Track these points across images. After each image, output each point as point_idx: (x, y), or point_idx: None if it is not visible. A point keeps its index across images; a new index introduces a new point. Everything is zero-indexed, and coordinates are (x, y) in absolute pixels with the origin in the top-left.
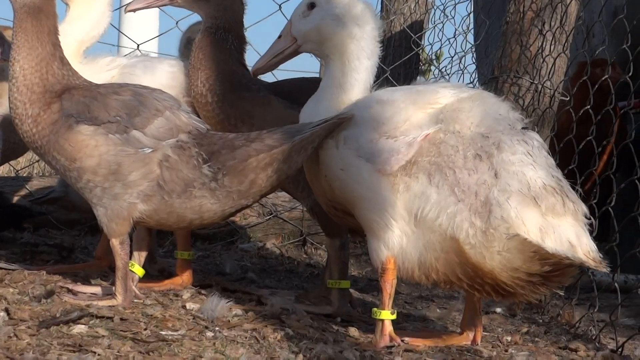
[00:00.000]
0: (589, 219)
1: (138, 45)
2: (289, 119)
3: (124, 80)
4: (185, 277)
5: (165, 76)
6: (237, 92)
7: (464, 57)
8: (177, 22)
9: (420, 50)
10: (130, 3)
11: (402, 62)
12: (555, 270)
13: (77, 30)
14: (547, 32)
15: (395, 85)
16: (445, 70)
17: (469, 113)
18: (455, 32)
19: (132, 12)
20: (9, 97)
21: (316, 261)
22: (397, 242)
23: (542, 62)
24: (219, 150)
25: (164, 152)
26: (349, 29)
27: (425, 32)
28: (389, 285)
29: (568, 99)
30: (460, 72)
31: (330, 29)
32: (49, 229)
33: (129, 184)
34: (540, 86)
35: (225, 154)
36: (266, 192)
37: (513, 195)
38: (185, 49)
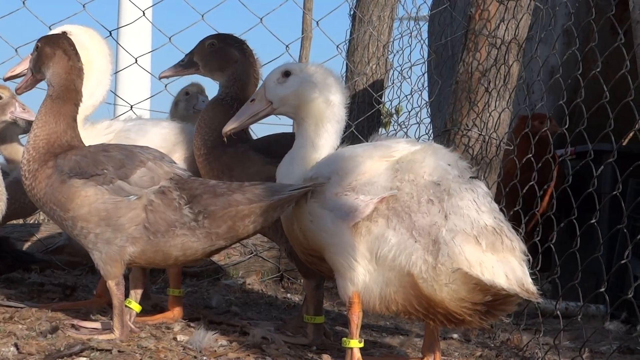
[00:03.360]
0: (527, 255)
1: (132, 106)
2: (265, 172)
3: (119, 142)
4: (176, 311)
5: (157, 138)
6: (222, 148)
7: (420, 112)
8: (165, 86)
9: (381, 106)
10: (163, 71)
11: (365, 117)
12: (497, 300)
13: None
14: (492, 89)
15: (359, 138)
16: (404, 123)
17: (422, 163)
18: (411, 90)
19: (165, 78)
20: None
21: (292, 294)
22: (360, 279)
23: (489, 116)
24: (201, 194)
25: (148, 198)
26: (325, 96)
27: (385, 90)
28: (356, 317)
29: (512, 148)
30: (417, 124)
31: (307, 95)
32: (54, 270)
33: (118, 228)
34: (487, 137)
35: (207, 198)
36: (243, 237)
37: (458, 234)
38: (174, 109)
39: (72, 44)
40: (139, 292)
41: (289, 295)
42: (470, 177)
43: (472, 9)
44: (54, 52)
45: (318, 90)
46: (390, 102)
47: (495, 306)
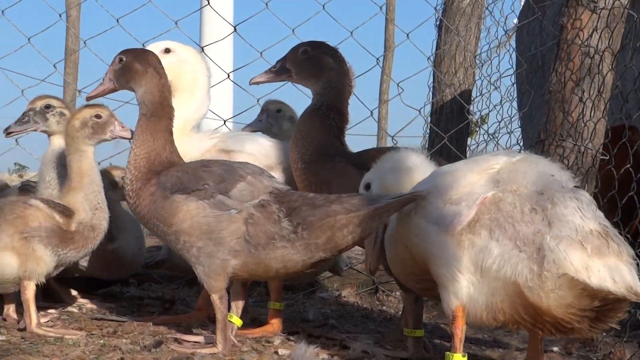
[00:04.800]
0: (636, 259)
1: (225, 120)
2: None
3: (223, 145)
4: (276, 325)
5: (259, 147)
6: (321, 162)
7: (510, 122)
8: (258, 100)
9: (471, 117)
10: (254, 77)
11: (455, 128)
12: (605, 305)
13: (184, 116)
14: (586, 99)
15: (450, 148)
16: (494, 135)
17: (524, 173)
18: (501, 100)
19: (256, 85)
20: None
21: (388, 306)
22: (465, 291)
23: (584, 126)
24: (300, 206)
25: (249, 211)
26: None
27: (474, 101)
28: (459, 330)
29: (607, 158)
30: (508, 134)
31: None
32: (151, 283)
33: (220, 241)
34: (582, 148)
35: (305, 210)
36: (342, 248)
37: (563, 240)
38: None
39: (159, 61)
40: (240, 305)
41: (384, 307)
42: (574, 187)
43: (564, 19)
44: (145, 70)
45: None
46: (479, 112)
47: (604, 312)
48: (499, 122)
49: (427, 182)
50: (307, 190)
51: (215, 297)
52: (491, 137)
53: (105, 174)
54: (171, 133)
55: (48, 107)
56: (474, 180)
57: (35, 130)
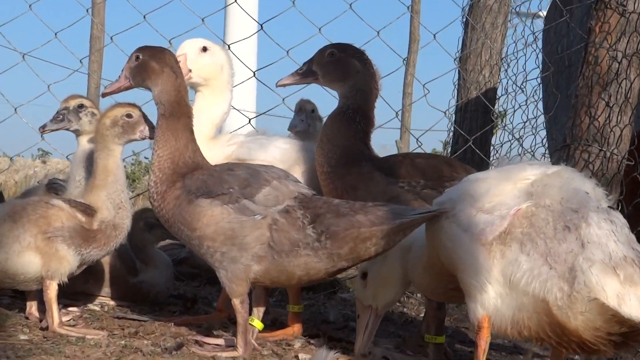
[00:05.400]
0: None
1: (249, 119)
2: (388, 193)
3: (241, 152)
4: (296, 328)
5: (277, 153)
6: (347, 167)
7: (535, 122)
8: (283, 100)
9: (495, 116)
10: (281, 79)
11: (479, 126)
12: (634, 332)
13: (211, 116)
14: (613, 104)
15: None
16: (518, 135)
17: (559, 189)
18: (527, 100)
19: (282, 87)
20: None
21: (409, 309)
22: (492, 302)
23: (610, 131)
24: (324, 213)
25: (273, 217)
26: None
27: (498, 99)
28: (484, 342)
29: (633, 164)
30: (533, 136)
31: None
32: (174, 281)
33: (244, 247)
34: (608, 153)
35: (329, 218)
36: (365, 259)
37: (596, 264)
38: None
39: (176, 60)
40: (262, 310)
41: (405, 310)
42: (608, 207)
43: (592, 21)
44: (162, 69)
45: None
46: (504, 111)
47: (632, 337)
48: (524, 122)
49: (457, 188)
50: (333, 194)
51: (236, 302)
52: (515, 137)
53: (141, 215)
54: (192, 132)
55: (81, 106)
56: (507, 189)
57: (68, 129)
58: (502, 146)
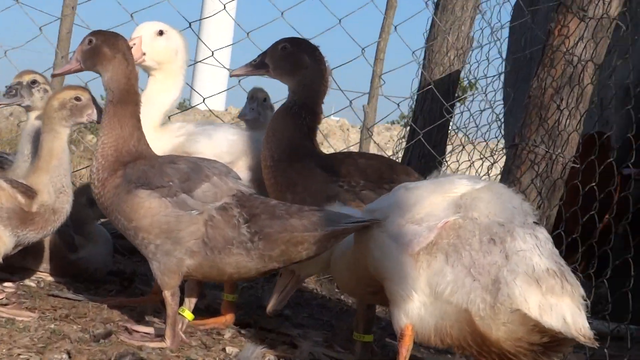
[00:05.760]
0: (586, 300)
1: (204, 98)
2: (327, 191)
3: (189, 145)
4: (229, 317)
5: (225, 144)
6: (289, 162)
7: (493, 110)
8: (239, 82)
9: (457, 95)
10: (234, 70)
11: (438, 114)
12: (553, 342)
13: (163, 102)
14: (564, 108)
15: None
16: (476, 120)
17: (488, 203)
18: (486, 89)
19: (236, 77)
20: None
21: (346, 296)
22: (416, 312)
23: (558, 134)
24: (260, 214)
25: (210, 213)
26: None
27: (461, 82)
28: (405, 350)
29: (579, 166)
30: (488, 125)
31: None
32: (115, 255)
33: (178, 241)
34: (554, 156)
35: (264, 219)
36: (296, 261)
37: (519, 275)
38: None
39: (129, 47)
40: (193, 301)
41: (342, 297)
42: (533, 222)
43: (552, 24)
44: (113, 55)
45: None
46: (469, 95)
47: (552, 347)
48: (481, 110)
49: (388, 197)
50: (274, 189)
51: (167, 294)
52: (474, 121)
53: (84, 191)
54: (139, 120)
55: (34, 82)
56: (436, 201)
57: (20, 105)
58: (458, 132)
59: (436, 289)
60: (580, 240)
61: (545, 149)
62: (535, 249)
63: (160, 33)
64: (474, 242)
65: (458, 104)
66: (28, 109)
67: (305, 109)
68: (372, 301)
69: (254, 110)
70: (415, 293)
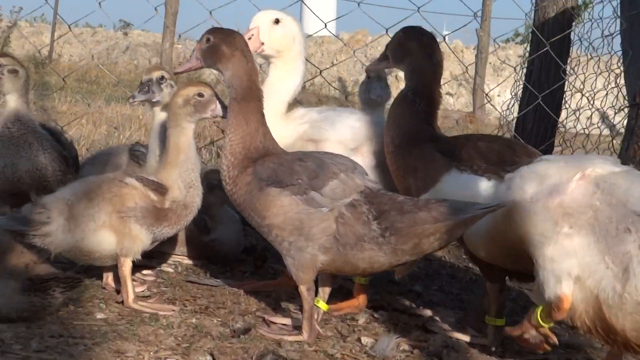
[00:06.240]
0: None
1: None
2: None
3: (313, 132)
4: (361, 299)
5: (347, 131)
6: (409, 147)
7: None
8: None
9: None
10: (369, 65)
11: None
12: None
13: (286, 90)
14: None
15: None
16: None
17: (626, 190)
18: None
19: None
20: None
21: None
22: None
23: None
24: (389, 210)
25: (340, 210)
26: None
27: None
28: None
29: None
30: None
31: None
32: (246, 228)
33: (311, 237)
34: None
35: (394, 215)
36: (428, 252)
37: None
38: (361, 90)
39: (246, 43)
40: (327, 291)
41: (471, 265)
42: None
43: None
44: (232, 53)
45: None
46: (580, 40)
47: None
48: (603, 38)
49: (530, 167)
50: (396, 174)
51: (302, 289)
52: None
53: (205, 178)
54: (263, 115)
55: (162, 78)
56: (574, 176)
57: (151, 100)
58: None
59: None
60: None
61: None
62: None
63: (277, 22)
64: (610, 228)
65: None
66: (157, 104)
67: (419, 95)
68: (514, 267)
69: (385, 89)
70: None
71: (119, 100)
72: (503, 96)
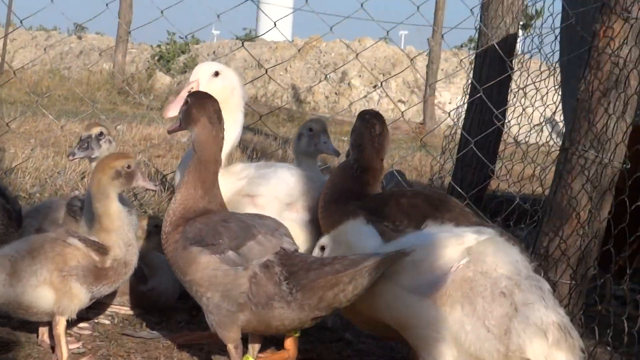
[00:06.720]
0: (584, 353)
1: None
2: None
3: (250, 188)
4: (292, 352)
5: (283, 187)
6: (337, 204)
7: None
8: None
9: (514, 61)
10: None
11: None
12: None
13: (225, 140)
14: (612, 113)
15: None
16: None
17: (493, 257)
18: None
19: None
20: None
21: None
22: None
23: (607, 140)
24: (297, 270)
25: (254, 270)
26: None
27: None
28: None
29: (629, 166)
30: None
31: None
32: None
33: (227, 294)
34: (606, 160)
35: (301, 274)
36: (337, 306)
37: (529, 327)
38: (297, 142)
39: (218, 109)
40: (257, 347)
41: None
42: (534, 274)
43: (596, 25)
44: (199, 117)
45: None
46: (522, 54)
47: None
48: (541, 71)
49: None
50: (324, 228)
51: (230, 347)
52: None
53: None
54: (216, 180)
55: (101, 134)
56: (447, 254)
57: (91, 156)
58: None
59: (458, 339)
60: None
61: (595, 154)
62: (541, 301)
63: (216, 74)
64: (486, 295)
65: None
66: (94, 160)
67: (360, 164)
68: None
69: (327, 142)
70: (449, 336)
71: (69, 116)
72: (454, 103)
